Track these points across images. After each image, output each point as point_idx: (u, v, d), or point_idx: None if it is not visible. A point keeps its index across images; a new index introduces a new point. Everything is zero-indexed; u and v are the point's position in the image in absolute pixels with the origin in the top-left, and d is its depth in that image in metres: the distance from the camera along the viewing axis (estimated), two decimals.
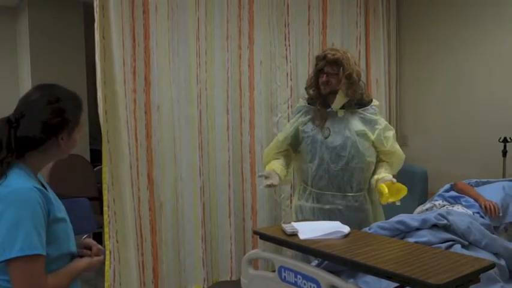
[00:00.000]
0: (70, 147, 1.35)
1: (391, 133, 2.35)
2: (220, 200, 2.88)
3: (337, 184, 2.34)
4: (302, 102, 2.50)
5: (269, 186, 2.31)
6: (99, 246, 1.38)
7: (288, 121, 3.05)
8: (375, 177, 2.30)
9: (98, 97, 2.42)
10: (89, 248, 1.37)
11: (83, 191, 3.62)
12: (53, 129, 1.28)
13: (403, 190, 2.15)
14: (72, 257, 1.29)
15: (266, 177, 2.33)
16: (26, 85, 4.24)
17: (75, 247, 1.31)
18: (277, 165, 2.40)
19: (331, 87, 2.30)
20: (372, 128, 2.32)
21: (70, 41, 4.25)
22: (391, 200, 2.15)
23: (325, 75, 2.29)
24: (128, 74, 2.50)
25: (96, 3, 2.32)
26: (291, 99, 3.12)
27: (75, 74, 4.31)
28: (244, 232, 3.00)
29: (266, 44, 3.04)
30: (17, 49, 4.37)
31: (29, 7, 4.07)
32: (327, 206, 2.35)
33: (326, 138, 2.33)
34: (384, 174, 2.27)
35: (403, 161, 2.40)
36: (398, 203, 2.19)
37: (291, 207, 3.08)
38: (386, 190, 2.14)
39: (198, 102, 2.78)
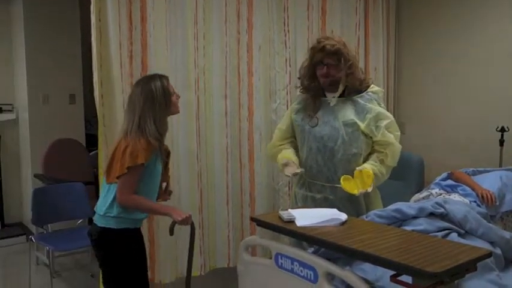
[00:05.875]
0: None
1: (384, 122, 2.21)
2: (218, 186, 2.87)
3: (326, 174, 2.29)
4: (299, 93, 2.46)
5: (295, 174, 2.23)
6: None
7: (287, 108, 3.03)
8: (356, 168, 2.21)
9: (94, 81, 2.39)
10: None
11: (78, 176, 3.60)
12: None
13: (369, 177, 2.12)
14: None
15: (286, 165, 2.25)
16: (21, 71, 4.18)
17: None
18: (290, 154, 2.32)
19: (331, 78, 2.23)
20: (363, 117, 2.21)
21: (65, 25, 4.18)
22: (354, 191, 2.12)
23: (325, 67, 2.21)
24: (124, 57, 2.47)
25: None
26: (289, 85, 3.09)
27: (71, 60, 4.26)
28: (242, 219, 2.99)
29: (265, 28, 2.99)
30: (12, 34, 4.29)
31: None
32: (318, 195, 2.32)
33: (313, 127, 2.29)
34: (362, 166, 2.19)
35: (398, 152, 2.25)
36: (369, 189, 2.13)
37: (289, 194, 3.08)
38: (344, 184, 2.13)
39: (196, 87, 2.75)
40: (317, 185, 2.32)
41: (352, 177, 2.18)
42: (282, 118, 2.54)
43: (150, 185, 1.97)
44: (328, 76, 2.23)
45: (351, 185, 2.15)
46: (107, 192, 1.95)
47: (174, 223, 1.98)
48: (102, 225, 1.94)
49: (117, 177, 1.88)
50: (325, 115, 2.28)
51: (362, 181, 2.14)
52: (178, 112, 2.09)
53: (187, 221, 1.95)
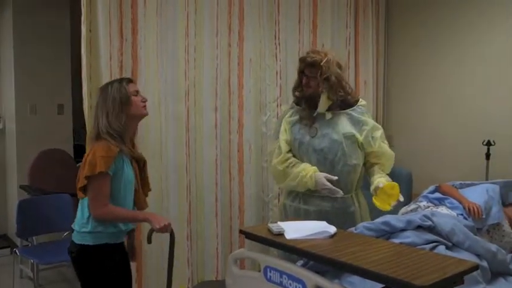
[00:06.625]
0: None
1: (378, 133, 2.33)
2: (207, 198, 2.86)
3: None
4: (286, 106, 2.49)
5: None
6: None
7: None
8: (371, 187, 2.26)
9: (83, 92, 2.38)
10: None
11: (65, 187, 3.55)
12: None
13: (394, 188, 2.17)
14: None
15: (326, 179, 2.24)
16: (8, 81, 4.14)
17: None
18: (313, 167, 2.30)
19: (311, 89, 2.29)
20: (360, 129, 2.30)
21: (55, 35, 4.17)
22: (387, 207, 2.17)
23: (305, 78, 2.29)
24: (114, 68, 2.47)
25: None
26: (280, 98, 3.11)
27: (59, 70, 4.23)
28: (231, 231, 2.98)
29: (256, 41, 3.02)
30: (0, 43, 4.26)
31: None
32: (313, 208, 2.33)
33: (313, 137, 2.32)
34: (377, 181, 2.23)
35: (393, 159, 2.38)
36: (401, 199, 2.19)
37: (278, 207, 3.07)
38: (377, 203, 2.19)
39: (186, 99, 2.75)
40: (314, 198, 2.32)
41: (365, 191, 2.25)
42: (280, 131, 2.42)
43: (121, 193, 1.88)
44: (308, 86, 2.30)
45: (379, 203, 2.19)
46: (81, 207, 1.89)
47: (151, 231, 1.89)
48: (80, 242, 1.86)
49: (80, 189, 1.81)
50: (323, 127, 2.32)
51: (386, 195, 2.18)
52: (144, 114, 1.98)
53: (166, 228, 1.85)
